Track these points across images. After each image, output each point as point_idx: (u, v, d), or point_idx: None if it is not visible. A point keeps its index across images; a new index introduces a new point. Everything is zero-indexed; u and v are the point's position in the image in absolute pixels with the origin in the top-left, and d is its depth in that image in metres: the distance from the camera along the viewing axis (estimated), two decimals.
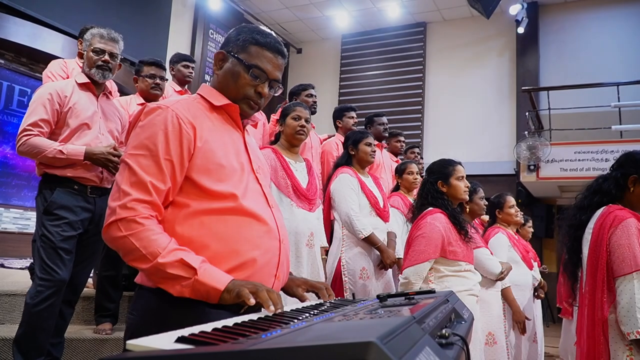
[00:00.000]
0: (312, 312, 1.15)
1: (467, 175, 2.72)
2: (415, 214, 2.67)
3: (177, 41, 7.71)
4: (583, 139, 7.11)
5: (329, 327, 0.85)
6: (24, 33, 5.41)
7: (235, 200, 1.30)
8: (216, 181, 1.29)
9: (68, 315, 2.58)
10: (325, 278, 3.01)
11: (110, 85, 3.59)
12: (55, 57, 3.71)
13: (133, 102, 3.22)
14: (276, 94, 1.47)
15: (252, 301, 1.14)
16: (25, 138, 2.35)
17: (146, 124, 1.28)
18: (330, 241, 3.17)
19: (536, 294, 4.00)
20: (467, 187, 2.66)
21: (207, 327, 0.90)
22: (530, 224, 4.70)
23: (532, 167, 7.17)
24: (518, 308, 3.43)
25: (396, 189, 3.87)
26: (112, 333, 2.95)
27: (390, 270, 3.13)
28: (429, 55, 9.29)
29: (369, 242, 3.00)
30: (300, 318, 1.04)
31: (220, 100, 1.40)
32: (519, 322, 3.44)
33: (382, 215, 3.17)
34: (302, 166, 2.94)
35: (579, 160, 6.90)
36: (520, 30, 8.15)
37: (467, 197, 2.70)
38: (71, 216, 2.39)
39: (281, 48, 1.43)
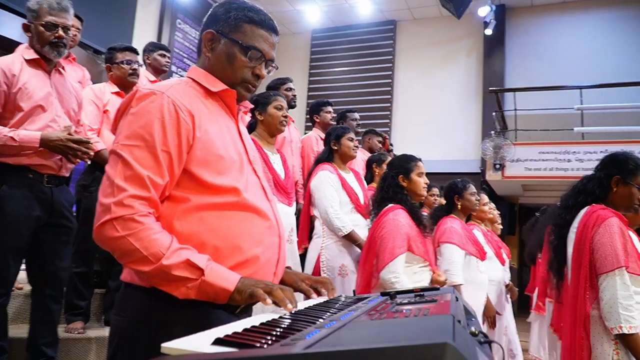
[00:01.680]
0: (331, 311, 1.11)
1: (435, 173, 2.87)
2: (376, 207, 2.68)
3: (143, 30, 7.46)
4: (547, 139, 7.30)
5: (375, 327, 0.82)
6: None
7: (238, 194, 1.22)
8: (216, 174, 1.20)
9: (56, 311, 2.44)
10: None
11: (83, 73, 3.44)
12: (15, 42, 3.49)
13: (107, 91, 3.07)
14: (270, 74, 1.40)
15: (269, 302, 1.07)
16: None
17: (140, 111, 1.16)
18: (310, 237, 3.14)
19: (509, 295, 4.08)
20: (427, 183, 2.71)
21: (237, 327, 0.85)
22: (500, 220, 4.78)
23: (497, 166, 7.32)
24: (489, 303, 3.47)
25: (370, 181, 3.79)
26: (85, 332, 2.82)
27: None
28: (398, 53, 9.35)
29: (350, 239, 2.98)
30: (325, 317, 0.99)
31: (216, 85, 1.30)
32: (489, 317, 3.48)
33: (363, 212, 3.15)
34: (278, 158, 2.88)
35: (543, 160, 7.09)
36: (488, 31, 8.29)
37: (425, 193, 2.75)
38: (23, 211, 2.21)
39: (274, 25, 1.35)
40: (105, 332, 2.90)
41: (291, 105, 3.94)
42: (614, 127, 7.12)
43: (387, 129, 9.04)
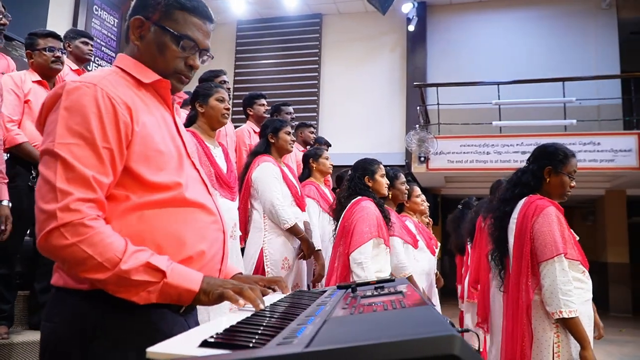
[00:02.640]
0: (300, 306, 1.09)
1: None
2: (342, 204, 2.81)
3: (58, 16, 6.99)
4: (467, 133, 7.65)
5: (364, 321, 0.81)
6: None
7: (179, 189, 1.16)
8: (155, 170, 1.13)
9: None
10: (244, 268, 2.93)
11: (8, 63, 3.18)
12: None
13: (28, 79, 2.84)
14: (204, 64, 1.33)
15: (242, 303, 1.03)
16: None
17: (72, 105, 1.07)
18: (246, 230, 3.08)
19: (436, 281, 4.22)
20: (387, 183, 2.97)
21: (216, 328, 0.81)
22: (428, 212, 4.95)
23: (422, 159, 7.58)
24: (423, 293, 3.59)
25: (308, 176, 3.80)
26: (9, 337, 2.62)
27: (304, 261, 3.13)
28: (324, 46, 9.41)
29: (293, 232, 2.96)
30: (300, 313, 0.98)
31: (149, 76, 1.22)
32: None
33: (301, 204, 3.16)
34: (219, 152, 2.79)
35: (464, 152, 7.42)
36: (411, 28, 8.55)
37: (386, 192, 2.98)
38: None
39: (209, 12, 1.28)
40: (30, 336, 2.73)
41: None
42: (529, 121, 7.57)
43: (315, 122, 9.08)
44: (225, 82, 3.82)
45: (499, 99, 7.73)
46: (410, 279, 3.03)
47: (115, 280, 1.02)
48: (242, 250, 3.09)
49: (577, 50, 8.48)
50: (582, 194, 8.36)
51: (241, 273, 1.45)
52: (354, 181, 2.85)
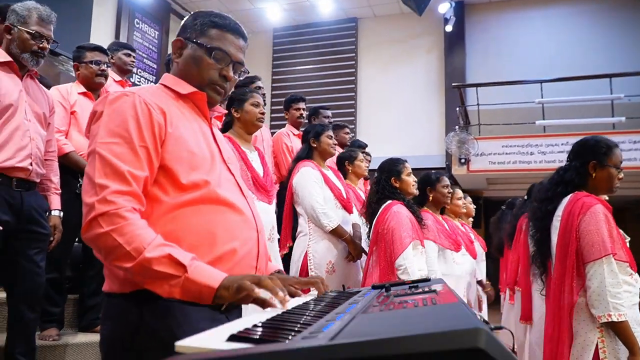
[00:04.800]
0: (332, 305, 1.09)
1: None
2: (373, 208, 2.82)
3: (101, 30, 7.27)
4: (509, 133, 7.46)
5: (392, 317, 0.80)
6: None
7: (209, 187, 1.22)
8: (188, 170, 1.21)
9: (32, 320, 2.35)
10: (286, 273, 2.96)
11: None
12: None
13: (74, 91, 2.97)
14: (241, 78, 1.42)
15: (258, 291, 1.04)
16: None
17: (113, 111, 1.18)
18: (294, 236, 3.11)
19: (486, 291, 4.13)
20: (415, 181, 2.94)
21: (245, 324, 0.82)
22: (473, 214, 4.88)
23: (463, 161, 7.45)
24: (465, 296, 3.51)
25: (343, 178, 3.80)
26: (59, 339, 2.72)
27: (357, 262, 3.13)
28: (360, 50, 9.40)
29: (336, 234, 2.98)
30: (330, 311, 0.98)
31: (186, 88, 1.33)
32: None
33: (347, 207, 3.17)
34: (255, 156, 2.84)
35: (506, 153, 7.25)
36: (448, 28, 8.43)
37: (416, 191, 2.95)
38: None
39: (241, 29, 1.39)
40: (79, 338, 2.83)
41: None
42: (574, 119, 7.30)
43: (353, 126, 9.08)
44: (260, 87, 3.88)
45: (542, 98, 7.51)
46: None
47: (139, 269, 1.07)
48: (287, 255, 3.13)
49: (624, 44, 8.15)
50: (633, 195, 8.02)
51: (280, 271, 1.48)
52: (380, 184, 2.85)
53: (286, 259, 3.16)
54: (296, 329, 0.77)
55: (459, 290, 3.17)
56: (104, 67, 3.03)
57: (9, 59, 2.26)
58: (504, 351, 0.57)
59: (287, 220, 3.11)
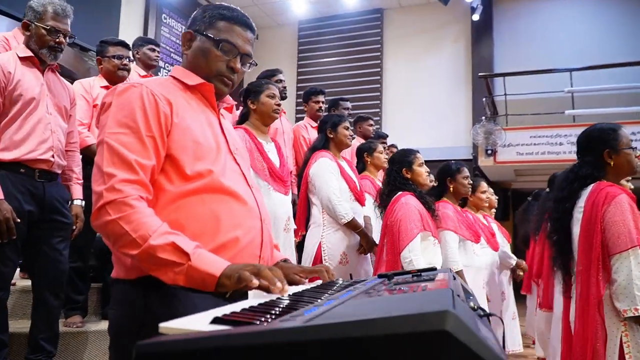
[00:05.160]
0: (329, 292, 1.10)
1: (426, 161, 2.97)
2: (385, 199, 2.83)
3: (129, 26, 7.39)
4: (538, 123, 7.30)
5: (374, 302, 0.81)
6: None
7: (212, 176, 1.24)
8: (193, 159, 1.23)
9: (56, 307, 2.44)
10: (299, 262, 2.97)
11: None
12: None
13: (96, 85, 3.04)
14: (249, 70, 1.43)
15: (255, 282, 1.05)
16: None
17: (121, 102, 1.21)
18: (306, 226, 3.12)
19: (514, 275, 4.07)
20: (427, 171, 2.91)
21: (235, 308, 0.84)
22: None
23: (489, 152, 7.33)
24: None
25: (362, 170, 3.76)
26: (83, 326, 2.81)
27: (368, 255, 3.12)
28: (386, 41, 9.32)
29: (351, 226, 2.97)
30: (323, 297, 0.99)
31: (193, 79, 1.35)
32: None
33: (360, 199, 3.16)
34: (272, 147, 2.85)
35: (535, 144, 7.10)
36: (475, 17, 8.27)
37: (428, 182, 2.91)
38: (16, 205, 2.21)
39: (249, 22, 1.40)
40: (103, 325, 2.92)
41: (281, 97, 3.92)
42: (604, 108, 7.10)
43: (378, 117, 9.03)
44: (281, 80, 3.89)
45: (571, 87, 7.30)
46: (459, 273, 2.95)
47: (144, 256, 1.10)
48: (301, 244, 3.14)
49: None
50: None
51: (287, 260, 1.49)
52: (392, 175, 2.83)
53: (298, 248, 3.17)
54: (278, 312, 0.79)
55: (477, 282, 3.13)
56: (126, 61, 3.08)
57: (29, 53, 2.33)
58: (472, 335, 0.57)
59: (302, 209, 3.11)
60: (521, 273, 3.97)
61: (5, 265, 2.24)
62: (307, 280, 1.40)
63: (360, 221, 3.06)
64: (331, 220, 2.99)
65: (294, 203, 3.29)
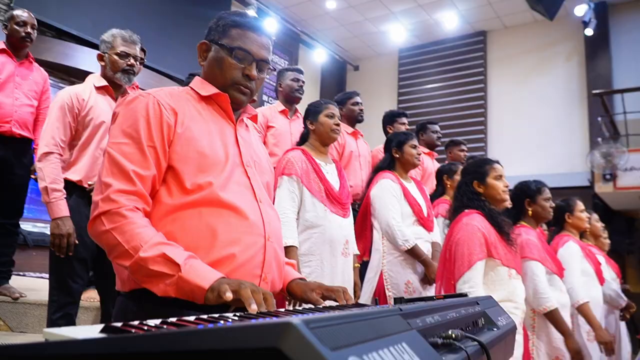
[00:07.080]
0: (296, 312, 1.00)
1: None
2: (451, 217, 2.46)
3: None
4: None
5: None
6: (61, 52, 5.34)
7: (210, 188, 1.19)
8: (196, 171, 1.20)
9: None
10: (357, 290, 2.79)
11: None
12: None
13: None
14: (267, 76, 1.37)
15: (229, 296, 1.00)
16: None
17: (127, 112, 1.21)
18: (370, 252, 2.96)
19: (621, 314, 3.61)
20: (506, 186, 2.43)
21: (151, 321, 0.78)
22: (605, 234, 4.28)
23: (607, 177, 6.62)
24: (599, 326, 3.02)
25: (441, 194, 3.56)
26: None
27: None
28: (490, 64, 8.92)
29: (413, 254, 2.77)
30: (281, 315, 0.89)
31: (208, 89, 1.33)
32: (604, 343, 3.00)
33: (426, 224, 2.93)
34: (332, 168, 2.73)
35: None
36: (589, 32, 7.63)
37: (507, 198, 2.43)
38: (86, 222, 2.41)
39: (262, 26, 1.36)
40: None
41: (358, 120, 3.86)
42: None
43: (483, 144, 8.60)
44: (357, 103, 3.83)
45: None
46: (553, 312, 2.59)
47: (136, 268, 1.09)
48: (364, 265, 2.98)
49: None
50: None
51: (303, 279, 1.40)
52: (461, 189, 2.45)
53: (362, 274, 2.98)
54: (176, 324, 0.72)
55: (566, 318, 2.73)
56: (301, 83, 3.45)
57: (104, 83, 2.52)
58: (315, 355, 0.46)
59: (359, 232, 2.94)
60: (627, 316, 3.48)
61: (74, 282, 2.36)
62: (323, 300, 1.29)
63: (425, 247, 2.84)
64: (391, 247, 2.81)
65: None
